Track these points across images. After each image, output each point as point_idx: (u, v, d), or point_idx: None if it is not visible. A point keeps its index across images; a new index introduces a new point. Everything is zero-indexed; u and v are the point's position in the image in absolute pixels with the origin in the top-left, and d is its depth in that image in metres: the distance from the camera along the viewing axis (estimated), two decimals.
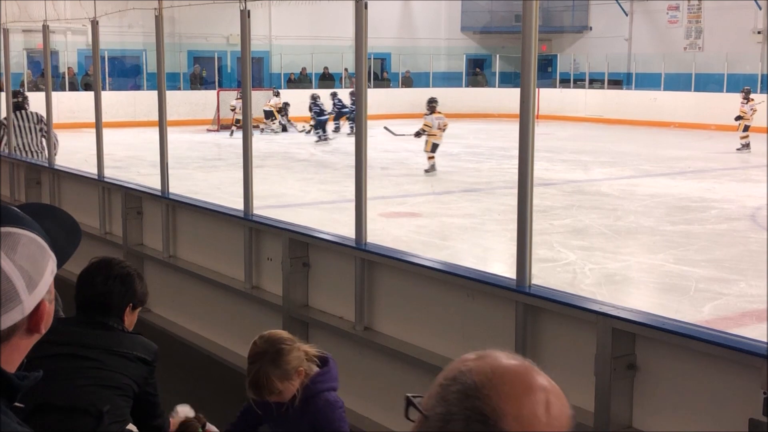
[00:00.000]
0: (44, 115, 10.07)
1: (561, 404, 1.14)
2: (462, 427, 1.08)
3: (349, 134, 23.04)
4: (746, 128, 20.13)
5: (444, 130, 16.17)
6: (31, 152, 10.52)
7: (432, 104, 16.70)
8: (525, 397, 1.10)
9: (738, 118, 20.46)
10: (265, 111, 24.93)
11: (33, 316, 1.27)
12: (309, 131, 24.02)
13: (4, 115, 10.79)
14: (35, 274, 1.27)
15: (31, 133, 10.54)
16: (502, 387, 1.10)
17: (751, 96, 20.74)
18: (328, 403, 3.04)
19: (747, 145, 19.97)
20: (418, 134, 16.34)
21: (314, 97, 24.05)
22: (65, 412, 2.84)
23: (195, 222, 7.05)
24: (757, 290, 7.73)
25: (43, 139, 10.51)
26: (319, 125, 23.17)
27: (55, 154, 9.90)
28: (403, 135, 17.54)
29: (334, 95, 25.31)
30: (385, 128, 18.43)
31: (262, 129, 24.31)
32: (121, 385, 3.00)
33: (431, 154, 15.93)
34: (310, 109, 23.77)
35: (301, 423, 3.04)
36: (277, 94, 25.60)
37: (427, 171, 15.87)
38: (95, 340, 3.05)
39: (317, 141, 22.69)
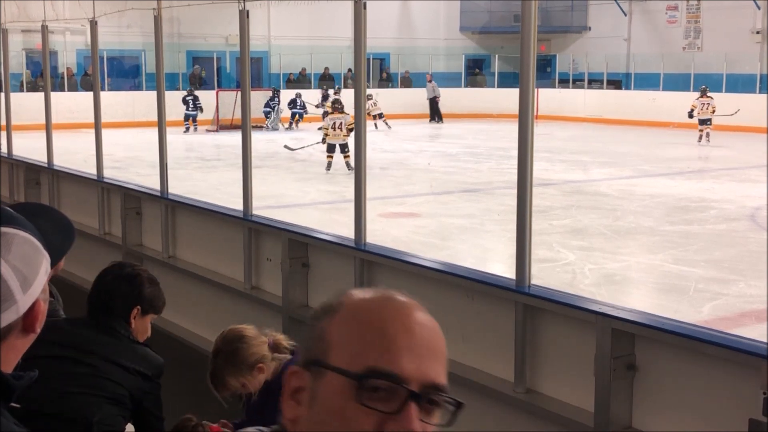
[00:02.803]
0: None
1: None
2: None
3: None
4: (701, 122, 22.05)
5: (342, 128, 16.25)
6: None
7: (335, 105, 17.38)
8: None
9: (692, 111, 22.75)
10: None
11: (28, 315, 1.27)
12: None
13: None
14: (29, 274, 1.27)
15: None
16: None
17: (708, 95, 22.57)
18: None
19: (707, 136, 21.69)
20: (323, 140, 16.78)
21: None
22: (53, 419, 2.74)
23: (194, 222, 7.04)
24: (756, 290, 7.72)
25: None
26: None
27: None
28: (303, 147, 18.82)
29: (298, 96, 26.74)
30: (285, 146, 19.17)
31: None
32: (114, 395, 2.89)
33: (329, 154, 16.28)
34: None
35: (267, 410, 3.04)
36: (326, 97, 25.42)
37: (327, 169, 16.19)
38: (96, 346, 2.94)
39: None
